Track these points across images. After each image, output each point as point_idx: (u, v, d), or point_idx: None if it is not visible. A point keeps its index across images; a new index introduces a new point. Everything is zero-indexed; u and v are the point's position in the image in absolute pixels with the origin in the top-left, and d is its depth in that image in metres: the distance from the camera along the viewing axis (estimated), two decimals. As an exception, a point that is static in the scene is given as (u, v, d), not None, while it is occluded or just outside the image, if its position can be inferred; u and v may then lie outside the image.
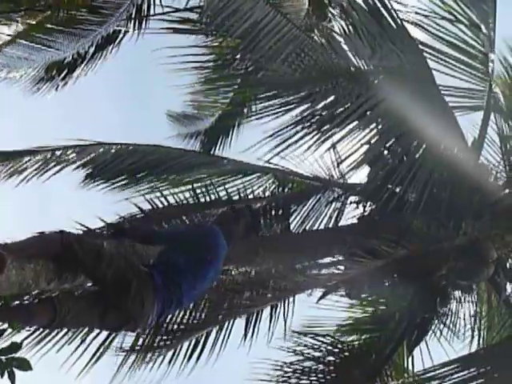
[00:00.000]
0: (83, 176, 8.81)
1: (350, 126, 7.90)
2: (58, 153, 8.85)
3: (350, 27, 8.23)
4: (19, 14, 11.76)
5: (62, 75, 11.38)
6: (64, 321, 4.93)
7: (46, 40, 11.41)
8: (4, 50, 11.34)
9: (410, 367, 8.75)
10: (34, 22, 11.73)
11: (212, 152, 11.51)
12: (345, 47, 8.29)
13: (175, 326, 8.13)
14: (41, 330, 7.46)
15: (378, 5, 8.26)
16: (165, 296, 5.25)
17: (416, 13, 8.30)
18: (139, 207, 8.26)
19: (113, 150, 8.84)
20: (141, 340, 8.02)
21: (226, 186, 8.86)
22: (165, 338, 8.12)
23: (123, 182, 8.76)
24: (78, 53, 11.33)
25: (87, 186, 8.80)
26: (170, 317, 7.98)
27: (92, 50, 11.39)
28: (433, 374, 7.68)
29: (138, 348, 8.04)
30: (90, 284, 5.58)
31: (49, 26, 11.56)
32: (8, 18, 11.84)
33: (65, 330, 7.65)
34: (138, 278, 5.13)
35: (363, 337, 8.75)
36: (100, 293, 5.15)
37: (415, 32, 8.36)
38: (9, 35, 11.58)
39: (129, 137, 9.40)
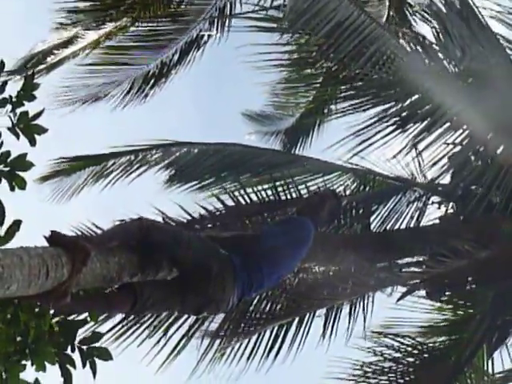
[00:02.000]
0: (166, 178, 8.92)
1: (436, 127, 7.88)
2: (141, 154, 8.96)
3: (439, 29, 8.11)
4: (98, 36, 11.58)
5: (149, 86, 11.38)
6: (145, 306, 4.85)
7: (128, 59, 11.38)
8: (86, 81, 11.27)
9: (490, 370, 8.67)
10: (114, 44, 11.58)
11: (292, 151, 11.56)
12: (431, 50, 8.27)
13: (257, 315, 8.28)
14: (122, 323, 7.80)
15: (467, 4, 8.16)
16: (245, 279, 5.11)
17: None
18: (223, 202, 8.34)
19: (196, 150, 8.92)
20: (222, 330, 8.13)
21: (308, 184, 8.83)
22: (246, 326, 8.24)
23: (207, 182, 8.80)
24: (162, 62, 11.34)
25: (170, 188, 8.91)
26: (251, 306, 8.19)
27: (176, 56, 11.39)
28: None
29: (219, 337, 8.15)
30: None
31: (128, 44, 11.53)
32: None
33: (146, 325, 7.88)
34: (218, 260, 5.01)
35: (443, 339, 8.66)
36: (180, 277, 5.01)
37: (501, 29, 8.22)
38: (90, 64, 11.44)
39: (210, 137, 9.52)
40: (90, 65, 11.23)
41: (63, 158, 9.41)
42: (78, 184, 9.28)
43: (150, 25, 11.48)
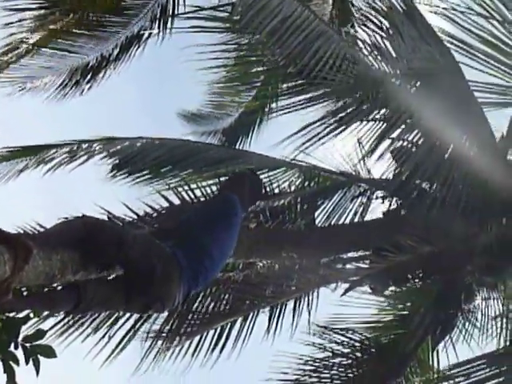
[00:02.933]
0: (110, 167, 8.72)
1: (377, 122, 7.97)
2: (84, 146, 8.82)
3: (386, 29, 8.18)
4: (42, 21, 11.40)
5: (87, 79, 11.22)
6: (89, 306, 4.76)
7: (70, 45, 11.19)
8: (27, 61, 11.11)
9: (436, 364, 8.76)
10: (57, 27, 11.41)
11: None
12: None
13: (200, 315, 8.35)
14: (66, 319, 7.77)
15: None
16: (190, 275, 5.03)
17: (449, 8, 8.19)
18: (167, 199, 8.29)
19: (139, 144, 8.78)
20: (166, 327, 8.18)
21: None
22: (190, 324, 8.29)
23: (151, 175, 8.68)
24: (102, 55, 11.16)
25: (114, 179, 8.71)
26: (194, 304, 8.21)
27: (116, 51, 11.19)
28: (458, 370, 7.76)
29: (163, 335, 8.19)
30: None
31: (73, 31, 11.26)
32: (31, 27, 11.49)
33: (89, 321, 7.86)
34: (163, 259, 4.89)
35: (388, 333, 8.72)
36: (125, 276, 4.89)
37: (445, 26, 8.29)
38: (32, 44, 11.28)
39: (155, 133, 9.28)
40: (33, 45, 11.03)
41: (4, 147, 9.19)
42: (18, 169, 9.10)
43: (95, 15, 11.24)
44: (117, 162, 8.62)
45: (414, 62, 7.97)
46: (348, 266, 8.54)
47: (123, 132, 9.14)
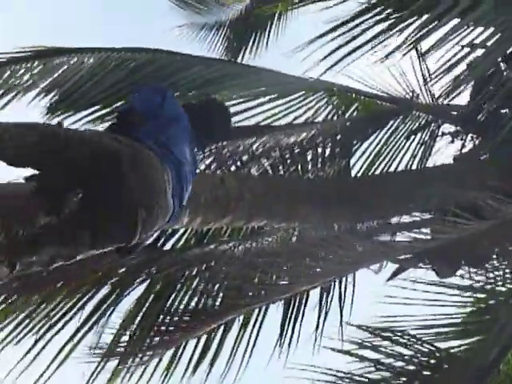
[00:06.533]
0: (48, 106, 6.56)
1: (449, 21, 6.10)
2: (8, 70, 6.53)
3: None
4: None
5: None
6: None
7: None
8: None
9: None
10: None
11: (241, 53, 9.48)
12: None
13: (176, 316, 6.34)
14: None
15: None
16: (169, 155, 3.96)
17: None
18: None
19: (90, 61, 6.62)
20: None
21: (258, 110, 6.80)
22: (161, 332, 6.22)
23: (106, 110, 6.54)
24: None
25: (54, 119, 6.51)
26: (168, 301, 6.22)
27: None
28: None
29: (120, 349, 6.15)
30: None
31: None
32: None
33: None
34: (123, 144, 3.76)
35: (463, 342, 6.58)
36: (86, 196, 3.71)
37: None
38: None
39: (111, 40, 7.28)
40: None
41: None
42: None
43: None
44: (57, 98, 6.57)
45: None
46: (399, 235, 6.77)
47: (65, 41, 6.77)
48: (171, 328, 6.24)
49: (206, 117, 4.65)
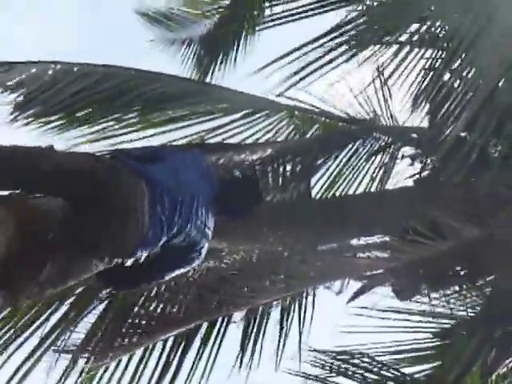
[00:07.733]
0: (11, 107, 6.45)
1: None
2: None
3: None
4: None
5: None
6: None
7: None
8: None
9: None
10: None
11: (211, 70, 9.42)
12: None
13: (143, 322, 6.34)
14: None
15: None
16: (148, 168, 3.95)
17: None
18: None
19: (50, 72, 6.55)
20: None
21: (220, 131, 6.79)
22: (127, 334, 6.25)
23: (63, 121, 6.53)
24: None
25: (15, 123, 6.44)
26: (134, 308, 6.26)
27: None
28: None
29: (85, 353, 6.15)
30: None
31: None
32: None
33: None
34: (100, 160, 3.83)
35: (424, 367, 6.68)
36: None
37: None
38: None
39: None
40: None
41: None
42: None
43: None
44: (20, 99, 6.50)
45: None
46: (360, 256, 6.74)
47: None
48: (131, 331, 6.24)
49: (235, 195, 4.57)
